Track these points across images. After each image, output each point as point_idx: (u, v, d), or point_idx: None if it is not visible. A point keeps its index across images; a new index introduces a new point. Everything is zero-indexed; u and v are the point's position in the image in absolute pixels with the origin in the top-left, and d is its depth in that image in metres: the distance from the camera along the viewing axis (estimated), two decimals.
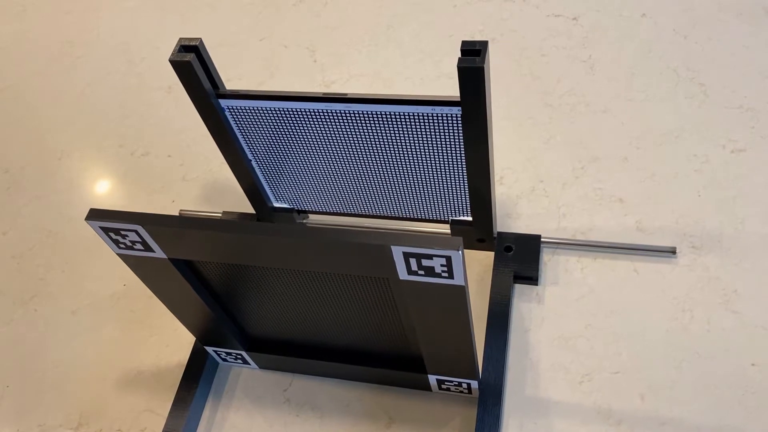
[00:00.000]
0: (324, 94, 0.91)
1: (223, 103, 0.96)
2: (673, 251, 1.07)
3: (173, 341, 1.13)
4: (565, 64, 1.34)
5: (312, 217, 1.18)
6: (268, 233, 0.71)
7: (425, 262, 0.69)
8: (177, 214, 1.28)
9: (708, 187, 1.14)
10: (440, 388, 0.99)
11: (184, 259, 0.83)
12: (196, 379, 1.04)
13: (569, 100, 1.29)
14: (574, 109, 1.28)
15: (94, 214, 0.76)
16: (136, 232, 0.76)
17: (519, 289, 1.08)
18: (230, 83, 1.45)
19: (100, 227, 0.77)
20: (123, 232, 0.77)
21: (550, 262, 1.10)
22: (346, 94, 0.91)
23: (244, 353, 1.03)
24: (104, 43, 1.60)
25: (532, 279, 1.07)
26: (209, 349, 1.05)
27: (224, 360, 1.07)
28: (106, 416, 1.07)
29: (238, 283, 0.87)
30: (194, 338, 1.11)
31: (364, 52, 1.45)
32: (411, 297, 0.76)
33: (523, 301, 1.07)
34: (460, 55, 0.81)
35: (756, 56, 1.28)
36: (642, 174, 1.17)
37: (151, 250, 0.79)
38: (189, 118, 1.42)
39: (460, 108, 0.87)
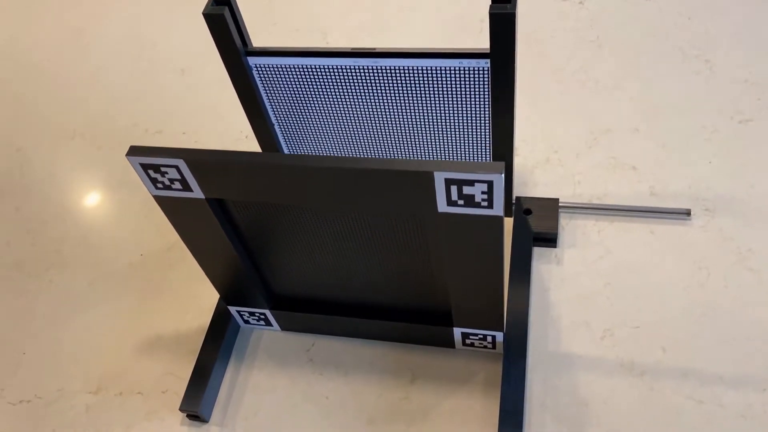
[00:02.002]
0: (352, 49, 0.93)
1: (252, 61, 0.98)
2: (687, 213, 1.09)
3: (193, 308, 1.13)
4: (573, 44, 1.38)
5: None
6: (311, 162, 0.72)
7: (466, 190, 0.71)
8: None
9: (718, 155, 1.17)
10: (464, 344, 1.00)
11: (220, 201, 0.83)
12: (219, 341, 1.04)
13: (579, 77, 1.32)
14: (584, 85, 1.31)
15: (135, 150, 0.77)
16: (177, 167, 0.77)
17: (538, 252, 1.10)
18: None
19: (140, 164, 0.77)
20: (163, 169, 0.77)
21: (567, 226, 1.12)
22: (374, 49, 0.93)
23: (268, 312, 1.03)
24: (114, 30, 1.62)
25: (550, 241, 1.09)
26: (232, 310, 1.05)
27: (246, 322, 1.07)
28: (126, 380, 1.07)
29: (270, 231, 0.88)
30: (215, 305, 1.11)
31: (376, 36, 1.47)
32: (447, 233, 0.77)
33: (543, 263, 1.09)
34: (490, 3, 0.83)
35: (759, 35, 1.32)
36: (653, 144, 1.20)
37: (189, 190, 0.80)
38: (203, 98, 1.43)
39: (488, 60, 0.89)
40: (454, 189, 0.71)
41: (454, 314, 0.93)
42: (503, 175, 0.68)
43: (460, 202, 0.72)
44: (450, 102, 0.96)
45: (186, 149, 0.76)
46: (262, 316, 1.05)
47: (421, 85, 0.95)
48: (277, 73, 0.99)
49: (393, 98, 0.98)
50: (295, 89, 1.00)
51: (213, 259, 0.92)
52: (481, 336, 0.97)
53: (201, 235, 0.88)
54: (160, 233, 1.24)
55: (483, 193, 0.71)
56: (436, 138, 1.02)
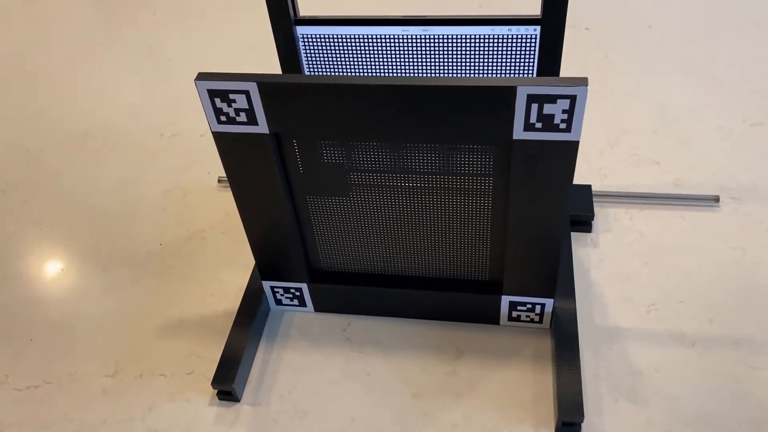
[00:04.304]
0: (402, 16, 0.96)
1: (300, 30, 0.99)
2: (716, 199, 1.11)
3: (217, 291, 1.08)
4: (583, 61, 1.44)
5: None
6: (390, 81, 0.72)
7: (547, 109, 0.71)
8: (215, 182, 1.26)
9: (736, 151, 1.21)
10: (509, 318, 0.97)
11: (280, 145, 0.81)
12: (250, 320, 0.99)
13: (593, 87, 1.37)
14: (600, 92, 1.36)
15: (204, 76, 0.75)
16: (247, 94, 0.75)
17: (573, 237, 1.10)
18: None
19: (208, 90, 0.76)
20: (231, 96, 0.76)
21: (599, 213, 1.13)
22: (424, 16, 0.95)
23: (304, 287, 0.99)
24: (128, 46, 1.63)
25: (586, 224, 1.09)
26: (266, 286, 1.00)
27: (278, 302, 1.03)
28: (147, 362, 0.99)
29: (323, 187, 0.86)
30: (240, 290, 1.07)
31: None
32: (518, 164, 0.77)
33: (580, 247, 1.08)
34: None
35: (756, 54, 1.41)
36: (673, 142, 1.24)
37: (254, 123, 0.78)
38: None
39: (538, 27, 0.92)
40: (534, 108, 0.71)
41: (506, 277, 0.91)
42: (587, 88, 0.69)
43: (538, 125, 0.73)
44: (497, 69, 0.98)
45: (258, 74, 0.75)
46: (297, 293, 1.00)
47: (469, 52, 0.97)
48: (323, 43, 0.99)
49: (438, 66, 0.99)
50: (340, 60, 1.01)
51: (260, 212, 0.89)
52: (529, 306, 0.95)
53: (254, 181, 0.85)
54: (179, 224, 1.19)
55: (563, 112, 0.71)
56: None
